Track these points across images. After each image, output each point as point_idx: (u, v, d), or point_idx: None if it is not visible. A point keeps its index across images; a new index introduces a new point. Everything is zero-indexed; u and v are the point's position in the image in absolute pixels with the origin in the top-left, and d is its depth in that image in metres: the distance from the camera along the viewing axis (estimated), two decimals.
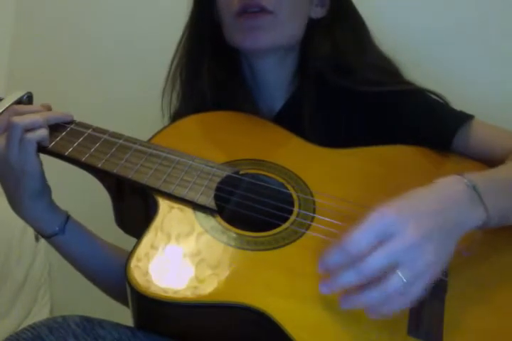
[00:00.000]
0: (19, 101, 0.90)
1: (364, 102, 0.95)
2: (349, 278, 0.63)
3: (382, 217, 0.64)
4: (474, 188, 0.70)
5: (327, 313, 0.69)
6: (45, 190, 0.87)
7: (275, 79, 1.00)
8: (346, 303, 0.65)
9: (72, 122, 0.89)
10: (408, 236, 0.63)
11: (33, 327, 0.72)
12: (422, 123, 0.92)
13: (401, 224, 0.64)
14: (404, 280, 0.62)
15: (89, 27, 1.49)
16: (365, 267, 0.62)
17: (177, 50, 1.03)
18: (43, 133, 0.83)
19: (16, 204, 0.87)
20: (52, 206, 0.90)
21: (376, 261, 0.62)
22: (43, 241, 1.39)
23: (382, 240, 0.63)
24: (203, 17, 1.00)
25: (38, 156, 0.84)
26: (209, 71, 1.00)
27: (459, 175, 0.72)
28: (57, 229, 0.89)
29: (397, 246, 0.63)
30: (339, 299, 0.65)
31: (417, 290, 0.63)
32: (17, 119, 0.81)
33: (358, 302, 0.64)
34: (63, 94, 1.47)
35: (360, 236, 0.63)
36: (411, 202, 0.67)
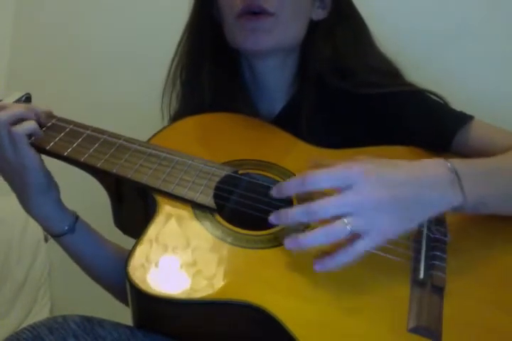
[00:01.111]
0: (18, 102, 0.90)
1: (364, 104, 0.95)
2: (298, 213, 0.67)
3: (348, 169, 0.68)
4: (455, 171, 0.72)
5: (327, 310, 0.69)
6: (51, 185, 0.88)
7: (275, 81, 1.00)
8: (292, 243, 0.68)
9: (54, 117, 0.89)
10: (365, 193, 0.67)
11: (33, 327, 0.72)
12: (421, 124, 0.92)
13: (363, 180, 0.67)
14: (349, 227, 0.65)
15: (89, 27, 1.50)
16: (315, 207, 0.66)
17: (177, 51, 1.03)
18: (30, 125, 0.83)
19: (24, 201, 0.88)
20: (61, 204, 0.90)
21: (327, 204, 0.66)
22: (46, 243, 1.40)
23: (340, 189, 0.67)
24: (204, 17, 1.00)
25: (34, 150, 0.84)
26: (209, 72, 1.00)
27: (442, 158, 0.74)
28: (66, 229, 0.89)
29: (349, 198, 0.67)
30: (286, 239, 0.68)
31: (361, 245, 0.67)
32: None
33: (303, 240, 0.67)
34: (63, 94, 1.48)
35: (322, 176, 0.68)
36: (382, 168, 0.70)
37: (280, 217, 0.69)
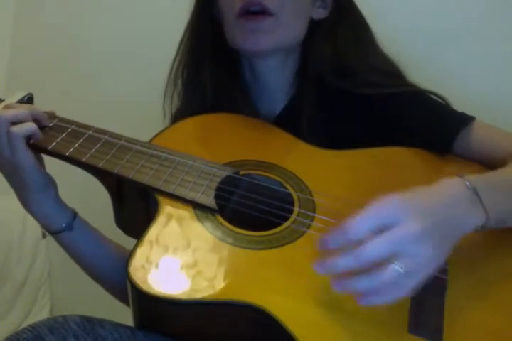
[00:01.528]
0: (20, 102, 0.90)
1: (364, 104, 0.94)
2: (346, 262, 0.63)
3: (386, 205, 0.64)
4: (474, 190, 0.70)
5: (327, 311, 0.69)
6: (48, 183, 0.88)
7: (276, 81, 1.00)
8: (338, 285, 0.64)
9: (56, 117, 0.89)
10: (410, 227, 0.63)
11: (33, 327, 0.71)
12: (422, 125, 0.92)
13: (404, 214, 0.64)
14: (402, 270, 0.62)
15: (90, 27, 1.49)
16: (363, 252, 0.62)
17: (178, 50, 1.03)
18: (29, 127, 0.83)
19: (23, 199, 0.88)
20: (59, 201, 0.90)
21: (375, 247, 0.62)
22: (45, 240, 1.40)
23: (383, 228, 0.63)
24: (205, 17, 0.99)
25: (30, 151, 0.83)
26: (210, 71, 1.00)
27: (460, 176, 0.72)
28: (64, 226, 0.89)
29: (397, 236, 0.62)
30: (332, 280, 0.64)
31: (412, 283, 0.63)
32: (0, 113, 0.82)
33: (350, 286, 0.63)
34: (63, 94, 1.48)
35: (363, 221, 0.63)
36: (415, 195, 0.67)
37: (326, 268, 0.64)
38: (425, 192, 0.69)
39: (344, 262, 0.63)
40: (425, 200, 0.67)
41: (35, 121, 0.85)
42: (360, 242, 0.62)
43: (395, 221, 0.63)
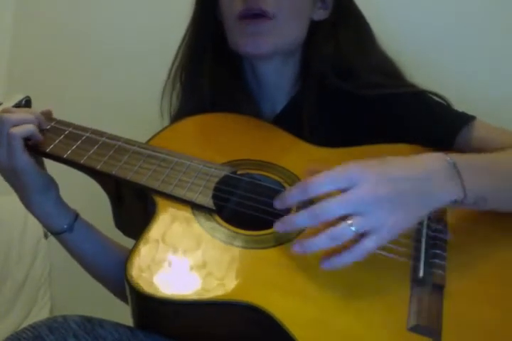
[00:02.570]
0: (18, 105, 0.90)
1: (365, 104, 0.94)
2: (303, 218, 0.67)
3: (346, 169, 0.68)
4: (454, 165, 0.71)
5: (327, 310, 0.69)
6: (49, 185, 0.88)
7: (277, 81, 1.00)
8: (298, 246, 0.68)
9: (53, 119, 0.89)
10: (366, 191, 0.67)
11: (33, 327, 0.72)
12: (423, 124, 0.92)
13: (362, 179, 0.67)
14: (353, 228, 0.66)
15: (89, 27, 1.49)
16: (318, 210, 0.66)
17: (178, 51, 1.03)
18: (28, 128, 0.83)
19: (24, 200, 0.88)
20: (61, 202, 0.91)
21: (330, 206, 0.66)
22: (46, 240, 1.40)
23: (341, 190, 0.67)
24: (206, 18, 1.00)
25: (27, 153, 0.84)
26: (210, 71, 1.00)
27: (443, 153, 0.73)
28: (65, 227, 0.90)
29: (352, 197, 0.66)
30: (292, 244, 0.69)
31: (367, 243, 0.67)
32: (5, 115, 0.83)
33: (309, 244, 0.67)
34: (63, 94, 1.48)
35: (322, 180, 0.68)
36: (380, 165, 0.70)
37: (285, 224, 0.69)
38: (395, 161, 0.72)
39: (299, 219, 0.68)
40: (392, 170, 0.70)
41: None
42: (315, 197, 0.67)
43: (353, 184, 0.67)
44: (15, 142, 0.82)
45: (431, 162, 0.72)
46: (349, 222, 0.66)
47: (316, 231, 0.68)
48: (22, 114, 0.84)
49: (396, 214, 0.68)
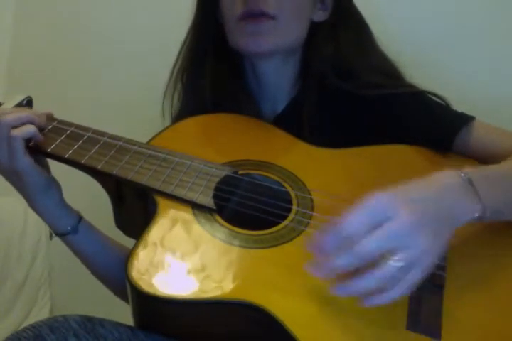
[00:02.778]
0: (19, 106, 0.90)
1: (365, 104, 0.95)
2: (344, 260, 0.63)
3: (377, 202, 0.64)
4: (469, 181, 0.70)
5: (327, 310, 0.69)
6: (51, 185, 0.88)
7: (277, 81, 1.01)
8: (339, 289, 0.64)
9: (55, 119, 0.89)
10: (403, 219, 0.63)
11: (33, 326, 0.72)
12: (423, 124, 0.92)
13: (394, 207, 0.64)
14: (401, 264, 0.62)
15: (89, 27, 1.49)
16: (360, 249, 0.62)
17: (180, 52, 1.03)
18: (29, 129, 0.83)
19: (27, 200, 0.89)
20: (64, 204, 0.91)
21: (371, 243, 0.62)
22: (45, 241, 1.40)
23: (377, 224, 0.63)
24: (208, 19, 1.00)
25: (28, 155, 0.83)
26: (211, 72, 1.00)
27: (454, 169, 0.72)
28: (69, 229, 0.90)
29: (392, 229, 0.63)
30: (332, 286, 0.64)
31: (414, 276, 0.63)
32: (4, 117, 0.82)
33: (351, 287, 0.63)
34: (63, 95, 1.47)
35: (355, 219, 0.63)
36: (405, 189, 0.68)
37: (322, 268, 0.64)
38: (416, 183, 0.69)
39: (342, 261, 0.63)
40: (415, 191, 0.68)
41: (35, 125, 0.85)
42: (354, 239, 0.62)
43: (386, 216, 0.63)
44: (16, 143, 0.81)
45: (447, 181, 0.70)
46: (396, 258, 0.62)
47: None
48: (21, 114, 0.84)
49: (434, 238, 0.65)
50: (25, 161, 0.83)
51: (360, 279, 0.63)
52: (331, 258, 0.63)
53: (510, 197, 0.74)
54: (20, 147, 0.82)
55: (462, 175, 0.71)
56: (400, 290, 0.63)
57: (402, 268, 0.62)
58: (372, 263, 0.62)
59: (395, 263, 0.62)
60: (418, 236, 0.63)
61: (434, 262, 0.65)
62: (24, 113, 0.84)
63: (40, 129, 0.86)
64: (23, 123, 0.83)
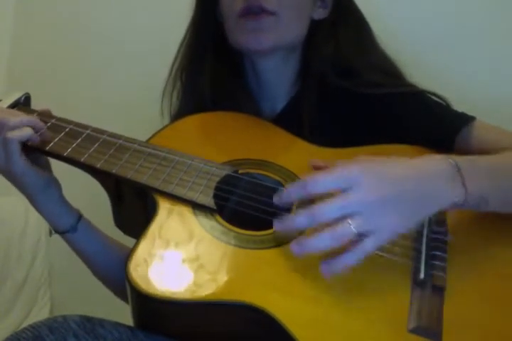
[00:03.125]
0: (17, 103, 0.90)
1: (365, 104, 0.95)
2: (302, 218, 0.67)
3: (347, 169, 0.68)
4: (456, 167, 0.71)
5: (327, 311, 0.69)
6: (50, 184, 0.88)
7: (277, 79, 1.01)
8: (297, 248, 0.67)
9: (53, 117, 0.89)
10: (366, 192, 0.67)
11: (33, 327, 0.72)
12: (422, 125, 0.92)
13: (363, 179, 0.67)
14: (353, 228, 0.65)
15: (89, 27, 1.49)
16: (318, 210, 0.66)
17: (179, 50, 1.03)
18: (26, 132, 0.82)
19: (28, 198, 0.89)
20: (63, 202, 0.91)
21: (329, 207, 0.66)
22: (45, 241, 1.40)
23: (340, 190, 0.67)
24: (207, 17, 1.00)
25: (24, 157, 0.83)
26: (211, 70, 1.00)
27: (445, 155, 0.74)
28: (68, 227, 0.90)
29: (351, 198, 0.66)
30: (291, 245, 0.68)
31: (369, 244, 0.66)
32: (1, 119, 0.82)
33: (309, 245, 0.66)
34: (63, 94, 1.47)
35: (322, 179, 0.67)
36: (382, 166, 0.70)
37: (284, 224, 0.69)
38: (396, 162, 0.72)
39: (298, 218, 0.67)
40: (394, 171, 0.70)
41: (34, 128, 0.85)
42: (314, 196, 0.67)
43: (353, 185, 0.67)
44: (12, 146, 0.81)
45: (433, 163, 0.72)
46: (350, 221, 0.65)
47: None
48: (18, 117, 0.83)
49: (396, 215, 0.68)
50: (21, 164, 0.83)
51: (315, 238, 0.66)
52: (290, 215, 0.68)
53: (497, 186, 0.75)
54: (16, 149, 0.81)
55: (450, 160, 0.72)
56: (352, 256, 0.66)
57: (355, 234, 0.65)
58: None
59: (348, 224, 0.65)
60: (381, 210, 0.67)
61: (393, 238, 0.68)
62: (25, 117, 0.84)
63: (36, 131, 0.85)
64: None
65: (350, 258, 0.67)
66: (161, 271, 0.73)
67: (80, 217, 0.92)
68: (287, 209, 0.81)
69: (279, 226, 0.69)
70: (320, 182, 0.67)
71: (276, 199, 0.71)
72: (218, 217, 0.79)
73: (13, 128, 0.82)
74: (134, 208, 0.90)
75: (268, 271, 0.73)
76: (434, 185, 0.70)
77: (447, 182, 0.71)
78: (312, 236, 0.66)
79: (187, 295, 0.70)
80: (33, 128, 0.84)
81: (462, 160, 0.73)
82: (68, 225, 0.90)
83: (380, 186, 0.67)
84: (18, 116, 0.84)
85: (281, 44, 0.94)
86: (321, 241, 0.66)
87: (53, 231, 0.92)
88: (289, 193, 0.69)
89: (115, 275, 0.93)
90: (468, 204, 0.72)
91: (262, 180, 0.86)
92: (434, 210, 0.71)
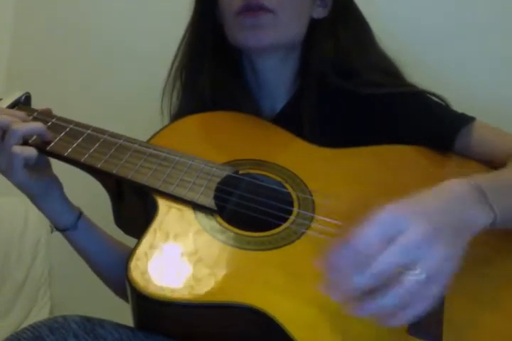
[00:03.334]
0: (17, 102, 0.90)
1: (365, 103, 0.95)
2: (362, 279, 0.59)
3: (390, 214, 0.62)
4: (479, 189, 0.69)
5: (327, 313, 0.69)
6: (51, 186, 0.88)
7: (277, 79, 1.01)
8: (361, 310, 0.60)
9: (53, 116, 0.89)
10: (415, 232, 0.60)
11: (33, 327, 0.72)
12: (422, 125, 0.92)
13: (410, 220, 0.61)
14: (421, 277, 0.59)
15: (90, 27, 1.49)
16: (377, 266, 0.58)
17: (178, 50, 1.03)
18: (31, 153, 0.81)
19: (29, 197, 0.89)
20: (64, 201, 0.91)
21: (389, 258, 0.59)
22: (45, 241, 1.40)
23: (390, 239, 0.60)
24: (205, 17, 1.00)
25: (26, 171, 0.83)
26: (210, 70, 1.00)
27: (462, 177, 0.70)
28: (69, 225, 0.90)
29: (406, 243, 0.59)
30: (350, 306, 0.60)
31: (436, 287, 0.60)
32: (15, 127, 0.81)
33: (374, 306, 0.59)
34: (63, 94, 1.47)
35: (369, 233, 0.60)
36: (418, 201, 0.65)
37: (340, 288, 0.60)
38: (427, 196, 0.67)
39: (360, 279, 0.59)
40: (425, 202, 0.65)
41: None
42: (369, 254, 0.59)
43: (398, 230, 0.60)
44: (16, 160, 0.80)
45: (457, 189, 0.68)
46: (415, 272, 0.59)
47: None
48: (31, 124, 0.83)
49: (450, 248, 0.62)
50: (21, 177, 0.83)
51: (382, 297, 0.59)
52: (347, 278, 0.59)
53: None
54: (19, 165, 0.81)
55: (471, 182, 0.69)
56: (424, 305, 0.60)
57: (423, 282, 0.59)
58: (388, 280, 0.59)
59: (415, 277, 0.59)
60: (435, 247, 0.60)
61: (454, 271, 0.62)
62: (36, 125, 0.83)
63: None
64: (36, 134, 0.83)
65: (422, 308, 0.60)
66: (161, 268, 0.73)
67: (80, 214, 0.92)
68: (288, 211, 0.81)
69: (334, 293, 0.60)
70: (367, 235, 0.60)
71: (324, 267, 0.61)
72: (218, 218, 0.79)
73: (26, 134, 0.81)
74: (135, 208, 0.90)
75: (267, 273, 0.73)
76: (465, 211, 0.66)
77: (475, 206, 0.67)
78: (377, 296, 0.59)
79: (186, 297, 0.70)
80: (45, 139, 0.84)
81: (481, 179, 0.70)
82: (69, 223, 0.90)
83: (428, 220, 0.62)
84: (29, 125, 0.83)
85: (281, 42, 0.94)
86: (388, 301, 0.59)
87: (54, 229, 0.92)
88: (343, 259, 0.60)
89: (117, 275, 0.92)
90: (497, 224, 0.69)
91: (262, 181, 0.85)
92: (471, 235, 0.66)
